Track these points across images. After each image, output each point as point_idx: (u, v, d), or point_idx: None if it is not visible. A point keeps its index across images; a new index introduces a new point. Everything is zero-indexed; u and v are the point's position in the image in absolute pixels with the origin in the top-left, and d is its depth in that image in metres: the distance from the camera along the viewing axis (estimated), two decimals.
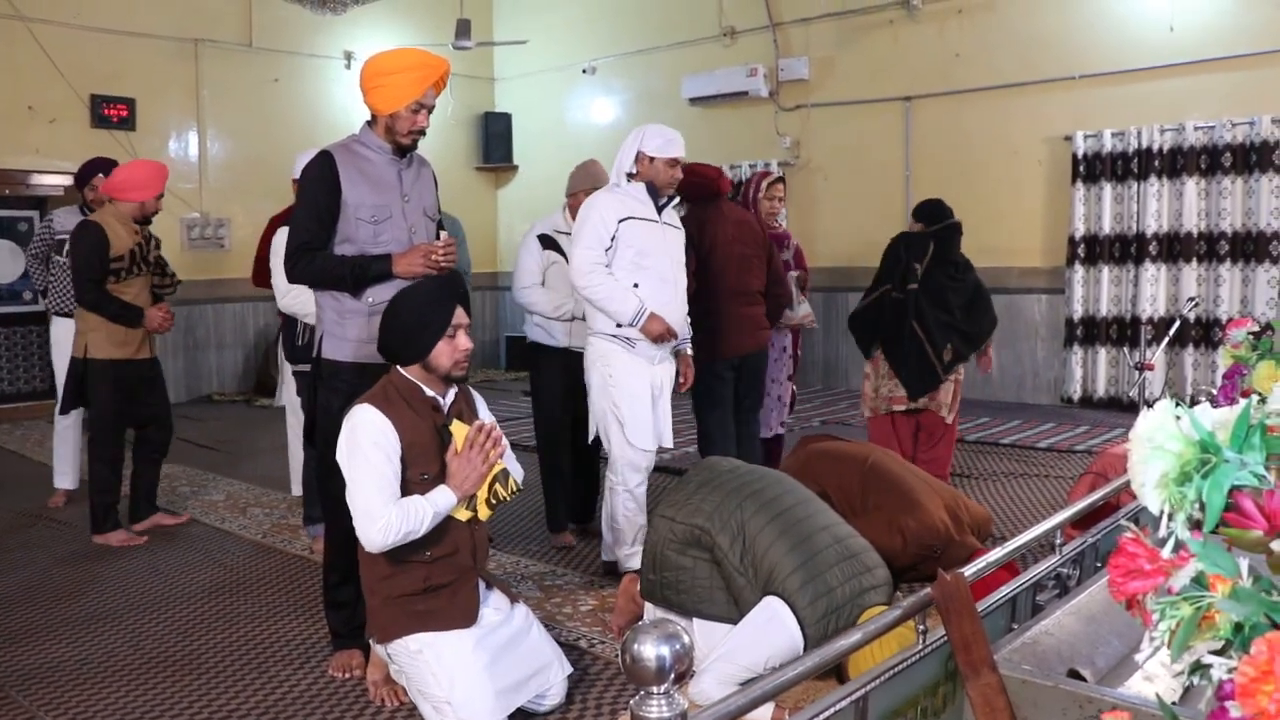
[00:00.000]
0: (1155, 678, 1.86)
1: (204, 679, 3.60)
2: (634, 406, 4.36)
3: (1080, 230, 8.64)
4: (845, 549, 3.33)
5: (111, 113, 9.67)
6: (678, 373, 4.60)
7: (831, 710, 1.66)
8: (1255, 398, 0.98)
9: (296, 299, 4.86)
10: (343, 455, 3.16)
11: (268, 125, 10.61)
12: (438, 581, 3.17)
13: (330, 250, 3.52)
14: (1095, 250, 8.57)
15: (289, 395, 5.68)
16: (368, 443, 3.09)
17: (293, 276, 3.62)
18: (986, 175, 9.20)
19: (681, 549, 3.39)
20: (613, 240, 4.33)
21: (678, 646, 1.34)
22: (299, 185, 3.54)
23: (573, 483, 5.28)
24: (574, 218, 4.96)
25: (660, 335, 4.35)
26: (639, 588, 3.64)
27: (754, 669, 3.12)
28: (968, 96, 9.27)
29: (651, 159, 4.44)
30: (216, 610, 4.28)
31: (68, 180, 8.67)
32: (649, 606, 3.56)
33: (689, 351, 4.68)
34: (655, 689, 1.34)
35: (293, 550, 5.10)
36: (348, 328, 3.54)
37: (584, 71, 11.84)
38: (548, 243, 5.08)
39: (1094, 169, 8.57)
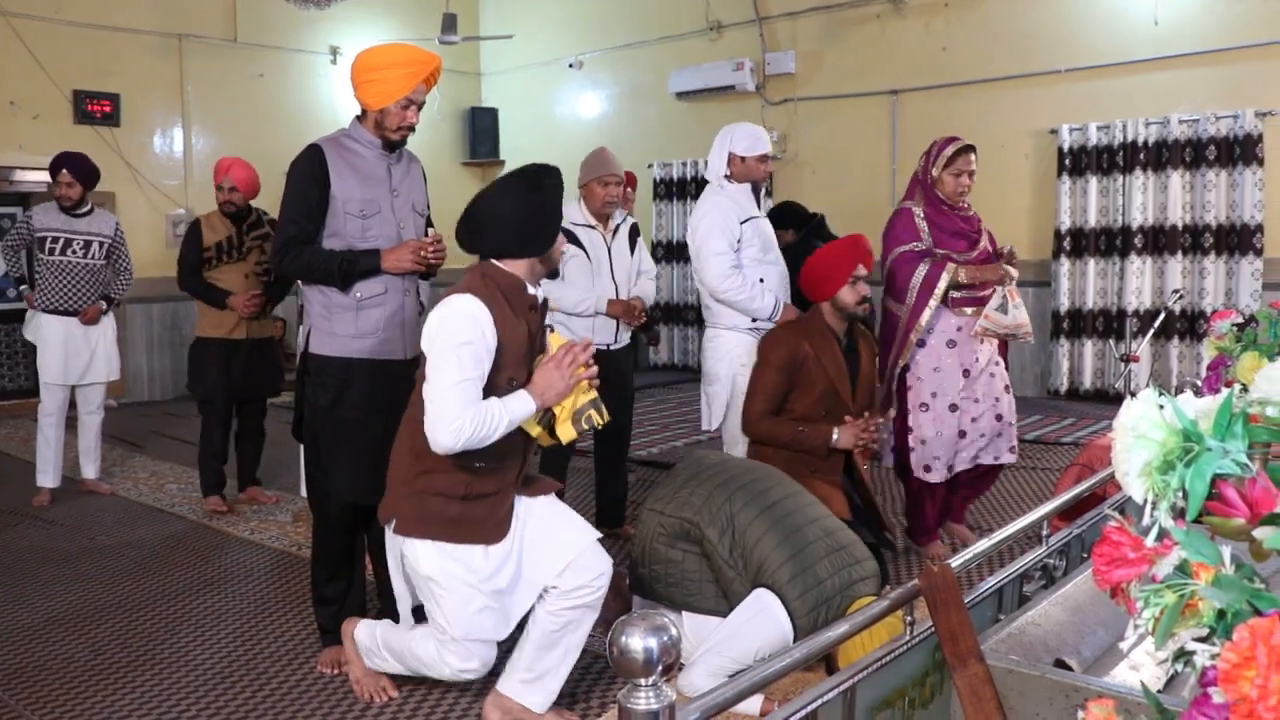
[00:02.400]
0: (1141, 666, 1.87)
1: (193, 676, 3.60)
2: (717, 386, 4.54)
3: (1066, 223, 8.67)
4: (835, 541, 3.34)
5: (95, 108, 9.63)
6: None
7: (820, 701, 1.66)
8: (1238, 387, 0.98)
9: None
10: (429, 343, 2.87)
11: (253, 121, 10.58)
12: (478, 491, 2.96)
13: (319, 244, 3.50)
14: (1081, 243, 8.60)
15: None
16: (460, 339, 2.81)
17: (280, 270, 3.63)
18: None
19: (671, 542, 3.40)
20: (738, 241, 4.47)
21: (665, 638, 1.34)
22: (287, 178, 3.54)
23: (604, 486, 5.18)
24: (588, 207, 4.94)
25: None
26: (628, 581, 3.65)
27: (744, 661, 3.13)
28: (954, 90, 9.29)
29: (743, 158, 4.59)
30: (205, 607, 4.27)
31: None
32: (638, 600, 3.56)
33: None
34: (643, 681, 1.34)
35: (280, 546, 5.09)
36: (335, 323, 3.51)
37: (570, 66, 11.82)
38: (567, 236, 4.94)
39: (1080, 162, 8.60)
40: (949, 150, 4.57)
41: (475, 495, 2.98)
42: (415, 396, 3.00)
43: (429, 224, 3.79)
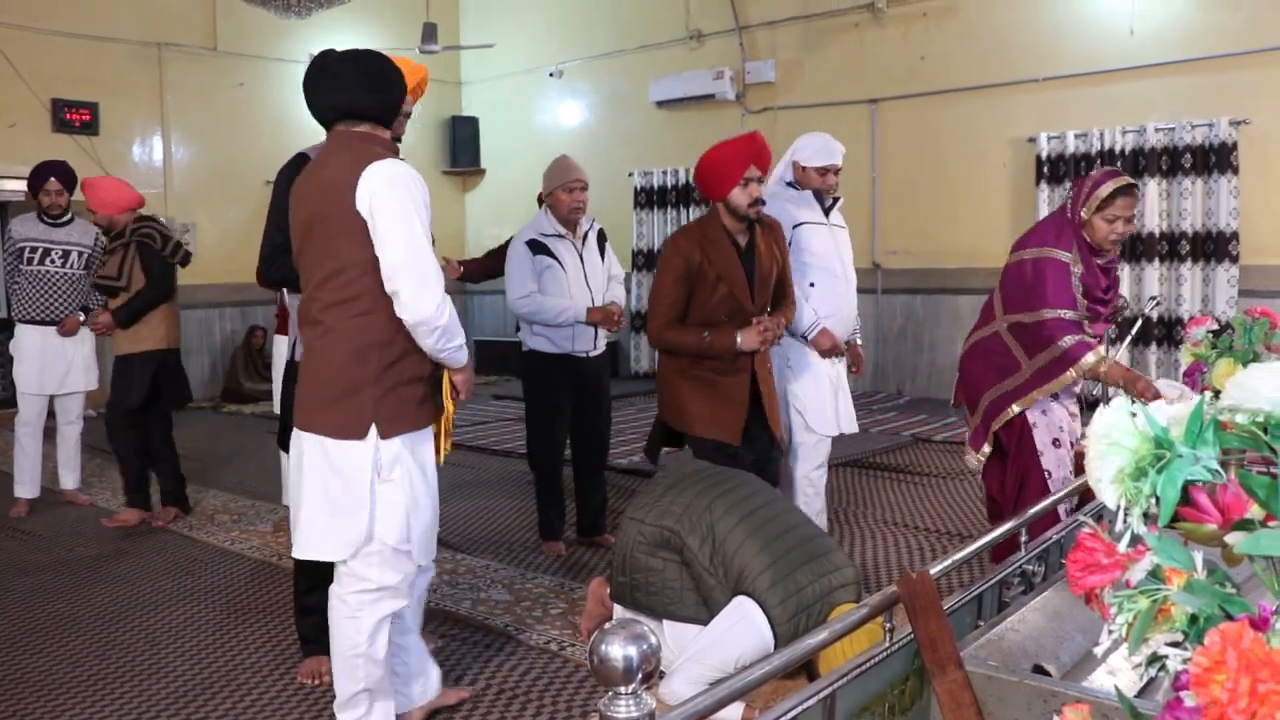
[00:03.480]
0: (1118, 671, 1.88)
1: (172, 687, 3.58)
2: (813, 393, 4.48)
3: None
4: (814, 548, 3.35)
5: (74, 117, 9.59)
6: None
7: (799, 709, 1.67)
8: (1209, 394, 1.00)
9: None
10: (380, 205, 2.73)
11: (233, 130, 10.56)
12: (429, 371, 2.93)
13: None
14: None
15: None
16: (418, 202, 2.79)
17: (266, 279, 3.60)
18: (952, 177, 9.28)
19: (651, 550, 3.40)
20: (789, 245, 4.39)
21: (645, 647, 1.34)
22: (274, 187, 3.53)
23: (583, 495, 5.18)
24: (556, 216, 4.93)
25: (828, 350, 4.49)
26: (608, 590, 3.64)
27: (724, 669, 3.13)
28: (933, 99, 9.34)
29: (804, 168, 4.62)
30: (184, 618, 4.25)
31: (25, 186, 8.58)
32: (618, 609, 3.56)
33: (859, 341, 4.81)
34: (623, 689, 1.34)
35: (260, 556, 5.07)
36: None
37: (551, 75, 11.84)
38: (538, 248, 4.91)
39: (1057, 170, 8.66)
40: (1105, 189, 3.83)
41: (428, 376, 2.94)
42: (346, 294, 2.80)
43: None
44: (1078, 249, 3.86)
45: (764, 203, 4.05)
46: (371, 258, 2.76)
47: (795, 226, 4.50)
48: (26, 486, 6.03)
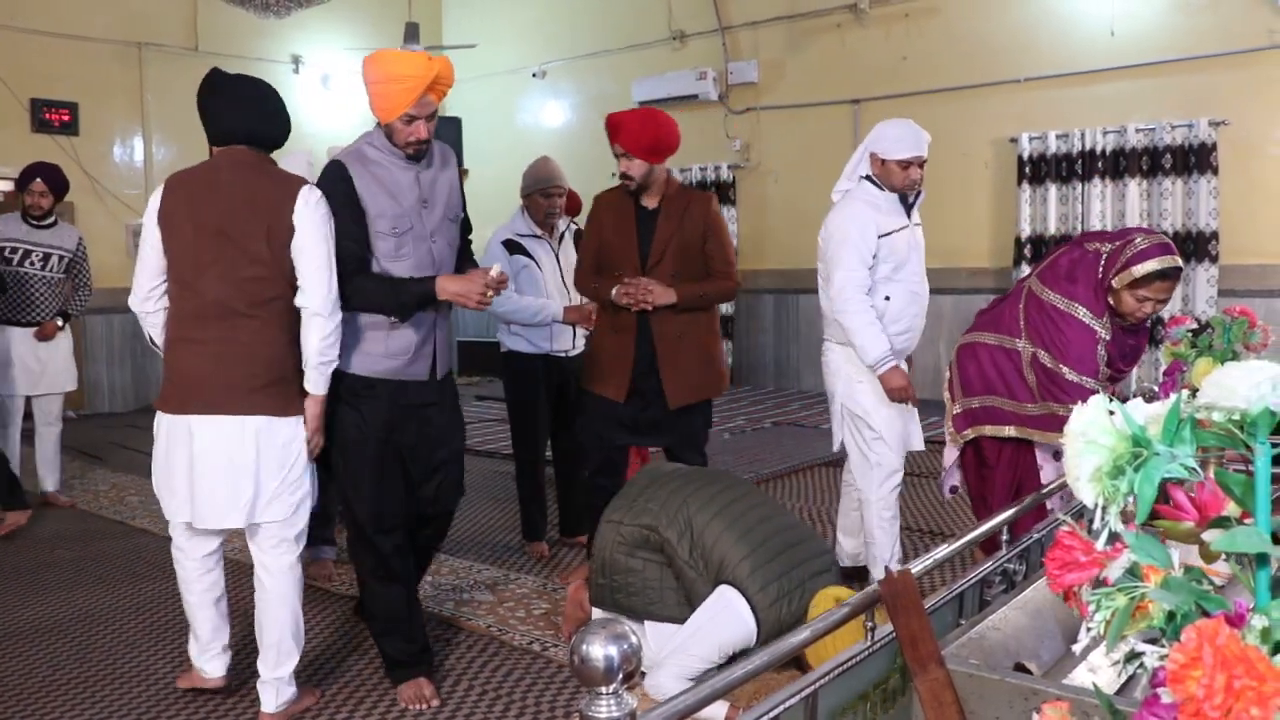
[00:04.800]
0: (1098, 669, 1.89)
1: (153, 690, 3.56)
2: (886, 410, 4.10)
3: (1026, 231, 8.75)
4: (791, 536, 3.37)
5: (53, 117, 9.54)
6: None
7: (782, 707, 1.67)
8: (1186, 392, 1.00)
9: None
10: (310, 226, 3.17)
11: None
12: None
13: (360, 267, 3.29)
14: (1041, 250, 8.67)
15: None
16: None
17: (346, 306, 3.27)
18: (934, 177, 9.22)
19: (630, 551, 3.40)
20: (874, 258, 4.05)
21: (625, 646, 1.34)
22: (328, 198, 3.30)
23: (565, 495, 5.18)
24: (532, 218, 4.95)
25: (897, 393, 3.99)
26: (587, 595, 3.64)
27: (710, 659, 3.14)
28: (915, 99, 9.36)
29: (882, 161, 4.11)
30: (166, 621, 4.23)
31: (8, 186, 8.54)
32: (597, 612, 3.56)
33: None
34: (604, 689, 1.34)
35: (241, 559, 5.04)
36: (366, 340, 3.34)
37: (534, 75, 11.83)
38: (514, 248, 4.94)
39: (1039, 170, 8.69)
40: (1142, 269, 3.49)
41: None
42: (273, 292, 3.15)
43: (467, 250, 3.67)
44: (1109, 315, 3.64)
45: (631, 178, 4.08)
46: (291, 270, 3.15)
47: (881, 237, 4.04)
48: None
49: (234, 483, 3.14)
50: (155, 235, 3.21)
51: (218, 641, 3.46)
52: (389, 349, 3.34)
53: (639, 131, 4.06)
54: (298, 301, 3.15)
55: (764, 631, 3.15)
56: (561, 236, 5.07)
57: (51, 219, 5.91)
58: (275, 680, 3.28)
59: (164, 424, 3.22)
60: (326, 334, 3.15)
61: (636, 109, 4.35)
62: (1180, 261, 3.58)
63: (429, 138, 3.31)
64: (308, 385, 3.20)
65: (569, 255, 5.02)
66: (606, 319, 4.23)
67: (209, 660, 3.46)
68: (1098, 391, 3.57)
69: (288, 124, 3.37)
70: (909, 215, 4.18)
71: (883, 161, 4.07)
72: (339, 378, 3.29)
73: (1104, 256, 3.61)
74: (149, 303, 3.27)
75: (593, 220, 4.31)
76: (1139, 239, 3.54)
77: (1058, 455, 3.71)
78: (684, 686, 2.97)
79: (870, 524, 4.16)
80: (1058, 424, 3.62)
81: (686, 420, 4.23)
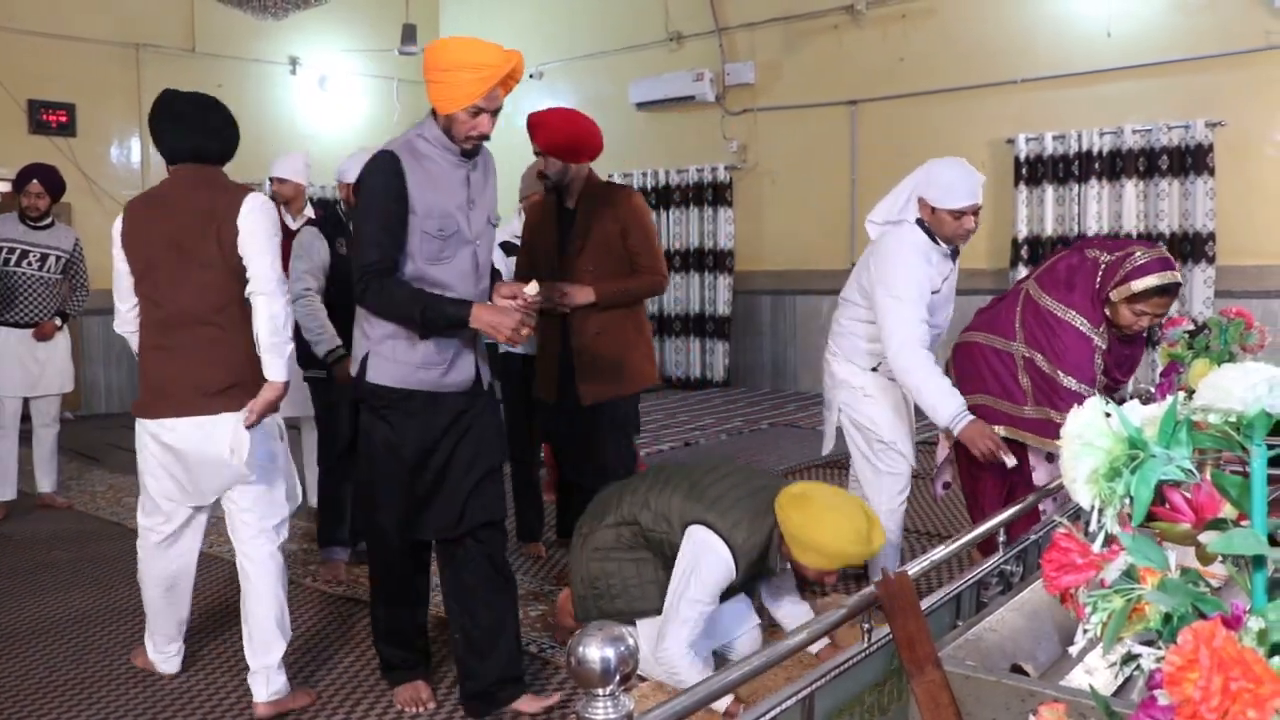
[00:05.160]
0: (1095, 671, 1.89)
1: (149, 692, 3.56)
2: (899, 425, 4.01)
3: (1023, 232, 8.76)
4: (739, 476, 3.43)
5: (50, 118, 9.52)
6: None
7: (779, 708, 1.67)
8: (1182, 394, 1.00)
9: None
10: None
11: None
12: None
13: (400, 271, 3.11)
14: (1038, 251, 8.68)
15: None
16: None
17: (361, 302, 3.13)
18: None
19: (605, 555, 3.41)
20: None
21: (622, 648, 1.34)
22: (362, 191, 3.14)
23: (567, 495, 5.07)
24: (530, 220, 4.92)
25: (987, 452, 3.57)
26: (575, 613, 3.61)
27: (704, 604, 3.18)
28: (912, 100, 9.37)
29: (933, 209, 3.72)
30: None
31: (4, 186, 8.52)
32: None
33: None
34: (601, 691, 1.34)
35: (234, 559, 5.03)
36: (397, 348, 3.12)
37: (531, 76, 11.82)
38: (510, 249, 4.95)
39: (1036, 171, 8.69)
40: (1141, 284, 3.44)
41: None
42: (226, 298, 3.28)
43: (498, 275, 3.63)
44: (1106, 325, 3.58)
45: (547, 177, 4.17)
46: (242, 268, 3.24)
47: (934, 293, 3.78)
48: (2, 489, 5.98)
49: (200, 474, 3.34)
50: (121, 258, 3.41)
51: (173, 643, 3.67)
52: (424, 358, 3.12)
53: (554, 131, 4.08)
54: (248, 290, 3.24)
55: (739, 557, 3.19)
56: None
57: (49, 220, 5.91)
58: (265, 669, 3.35)
59: (139, 429, 3.40)
60: (275, 313, 3.20)
61: (557, 109, 4.35)
62: (1180, 277, 3.55)
63: (490, 134, 3.14)
64: (266, 372, 3.25)
65: None
66: (540, 321, 4.07)
67: (165, 660, 3.67)
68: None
69: (235, 138, 3.53)
70: (954, 259, 3.92)
71: (933, 209, 3.71)
72: (368, 389, 3.16)
73: (1103, 267, 3.55)
74: (130, 322, 3.48)
75: (524, 225, 4.43)
76: (1139, 253, 3.50)
77: (1050, 458, 3.69)
78: (690, 649, 3.14)
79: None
80: (1053, 430, 3.54)
81: (602, 417, 4.23)
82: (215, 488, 3.37)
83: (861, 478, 4.14)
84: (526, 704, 3.32)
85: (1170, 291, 3.47)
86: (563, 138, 4.08)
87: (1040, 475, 3.75)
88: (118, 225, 3.43)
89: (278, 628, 3.38)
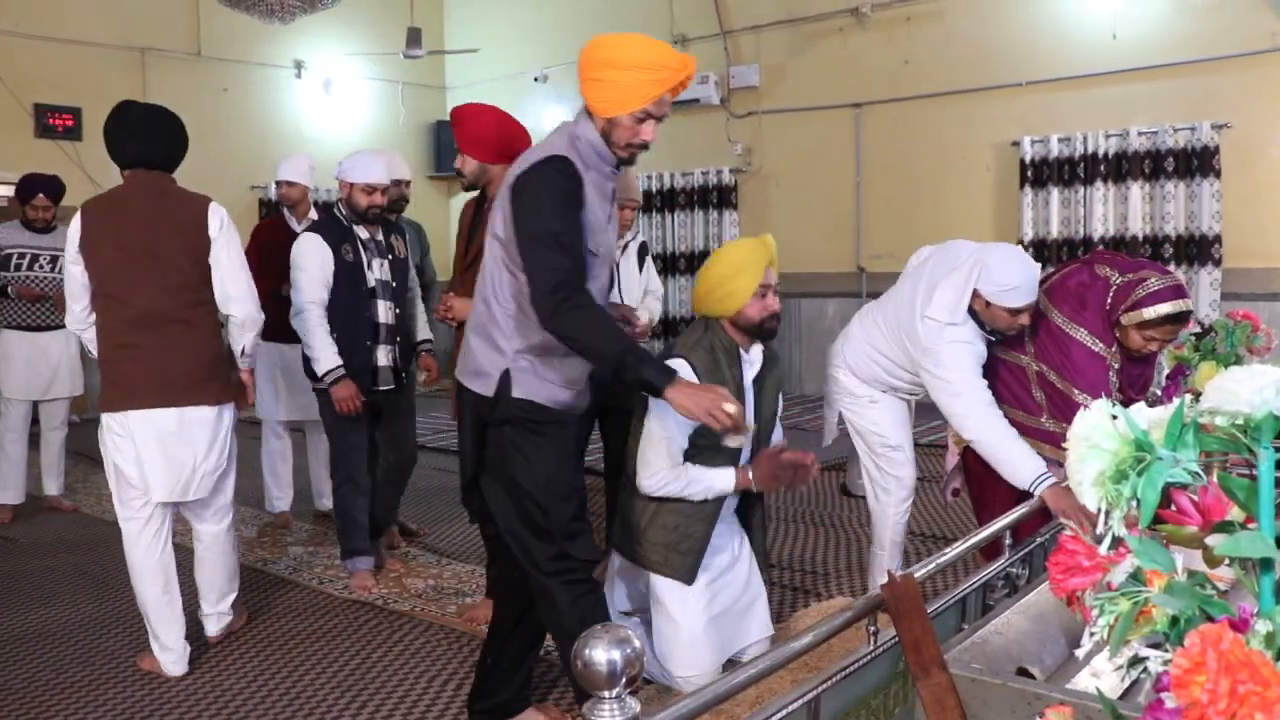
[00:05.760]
0: (1101, 674, 1.89)
1: (156, 694, 3.56)
2: (904, 432, 4.03)
3: (1029, 234, 8.75)
4: None
5: (57, 122, 9.54)
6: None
7: (784, 711, 1.67)
8: (1189, 397, 1.00)
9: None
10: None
11: (217, 135, 10.50)
12: None
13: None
14: (1044, 254, 8.67)
15: (279, 411, 5.68)
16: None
17: (551, 321, 2.66)
18: (936, 181, 9.30)
19: (662, 505, 3.37)
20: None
21: (629, 651, 1.34)
22: (536, 196, 2.72)
23: (612, 505, 4.95)
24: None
25: (1073, 514, 2.95)
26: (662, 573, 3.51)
27: (671, 435, 3.26)
28: (917, 103, 9.36)
29: (988, 303, 3.51)
30: None
31: (10, 191, 8.54)
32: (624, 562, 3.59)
33: None
34: (606, 694, 1.34)
35: (243, 562, 5.04)
36: (541, 366, 2.82)
37: (536, 80, 11.83)
38: None
39: (1041, 174, 8.69)
40: (1152, 312, 3.35)
41: None
42: (199, 297, 3.69)
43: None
44: (1118, 345, 3.53)
45: (462, 175, 3.97)
46: (209, 272, 3.67)
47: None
48: (10, 492, 6.00)
49: (176, 465, 3.67)
50: (77, 260, 3.63)
51: (178, 644, 3.75)
52: (565, 378, 2.86)
53: (466, 126, 3.93)
54: (227, 311, 3.73)
55: (695, 363, 3.28)
56: (625, 246, 4.73)
57: (52, 224, 5.98)
58: (217, 614, 3.98)
59: (110, 422, 3.73)
60: (249, 340, 3.82)
61: (483, 105, 4.14)
62: (1191, 305, 3.49)
63: (650, 145, 2.87)
64: (240, 363, 3.85)
65: (630, 266, 4.74)
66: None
67: (172, 663, 3.74)
68: None
69: (184, 146, 3.92)
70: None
71: (987, 304, 3.51)
72: (520, 405, 2.80)
73: (1114, 288, 3.48)
74: (85, 321, 3.73)
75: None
76: (1153, 280, 3.40)
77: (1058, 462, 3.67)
78: (671, 467, 3.27)
79: (881, 535, 4.11)
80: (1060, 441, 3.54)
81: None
82: (192, 478, 3.71)
83: (867, 480, 4.15)
84: (530, 716, 3.26)
85: (1182, 320, 3.38)
86: (469, 134, 3.90)
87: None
88: (75, 230, 3.64)
89: (230, 581, 4.00)
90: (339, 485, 4.67)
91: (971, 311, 3.56)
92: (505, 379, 2.81)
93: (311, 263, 4.44)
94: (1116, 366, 3.55)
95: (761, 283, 3.28)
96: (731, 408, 2.58)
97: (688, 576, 3.35)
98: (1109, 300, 3.49)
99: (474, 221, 4.05)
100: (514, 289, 2.79)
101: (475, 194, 4.16)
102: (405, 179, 5.32)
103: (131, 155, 3.81)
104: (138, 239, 3.60)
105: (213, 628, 3.99)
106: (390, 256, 4.64)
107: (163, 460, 3.65)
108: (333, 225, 4.56)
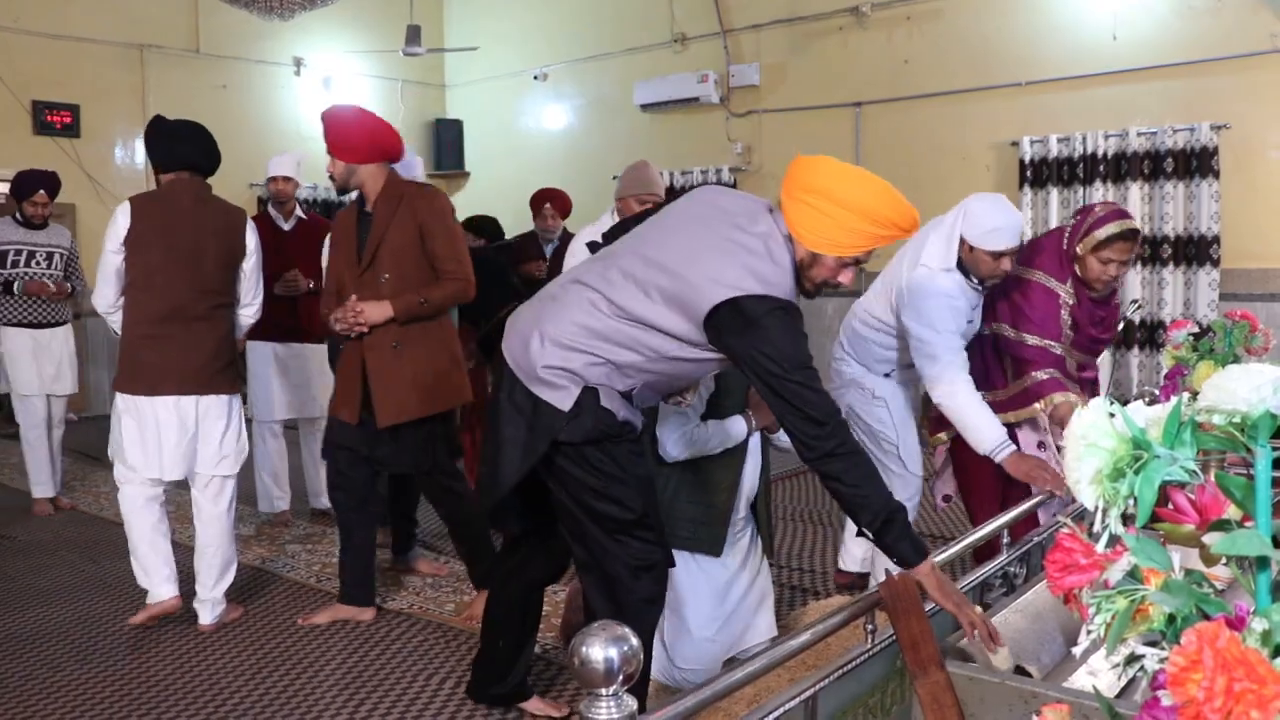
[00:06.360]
0: (1098, 672, 1.89)
1: (154, 691, 3.56)
2: (909, 435, 4.03)
3: (1028, 234, 8.74)
4: None
5: (55, 119, 9.53)
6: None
7: (782, 709, 1.67)
8: (1187, 395, 1.00)
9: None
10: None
11: (216, 132, 10.38)
12: None
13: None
14: None
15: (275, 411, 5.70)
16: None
17: (831, 456, 2.44)
18: (936, 180, 9.29)
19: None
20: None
21: (626, 648, 1.34)
22: (770, 335, 2.53)
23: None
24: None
25: (1037, 479, 3.30)
26: (582, 599, 3.58)
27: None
28: (917, 103, 9.36)
29: (971, 248, 3.60)
30: (165, 623, 4.22)
31: (6, 187, 8.54)
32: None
33: None
34: (604, 691, 1.34)
35: (243, 560, 5.04)
36: (608, 390, 2.70)
37: (535, 78, 11.82)
38: (594, 248, 4.76)
39: (1041, 174, 8.69)
40: (1103, 232, 3.55)
41: None
42: (225, 299, 4.14)
43: None
44: (1074, 283, 3.65)
45: (332, 178, 4.00)
46: (236, 277, 4.16)
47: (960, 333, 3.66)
48: (46, 485, 6.06)
49: (188, 446, 4.04)
50: (119, 251, 3.98)
51: (166, 568, 4.11)
52: (625, 402, 2.75)
53: (334, 130, 3.93)
54: (243, 313, 4.23)
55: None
56: None
57: (46, 220, 5.99)
58: (211, 599, 4.13)
59: (129, 404, 4.01)
60: (253, 318, 4.33)
61: (347, 106, 4.12)
62: (1138, 224, 3.68)
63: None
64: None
65: None
66: (345, 340, 4.05)
67: (161, 584, 4.08)
68: (1062, 356, 3.63)
69: (219, 156, 4.26)
70: (981, 293, 3.75)
71: (971, 248, 3.60)
72: (608, 419, 2.68)
73: (1067, 231, 3.70)
74: (117, 306, 4.07)
75: (330, 236, 4.25)
76: (1098, 208, 3.67)
77: (1041, 445, 3.70)
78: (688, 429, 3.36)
79: None
80: (1029, 397, 3.63)
81: (407, 440, 4.01)
82: (206, 457, 4.08)
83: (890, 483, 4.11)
84: (535, 705, 3.32)
85: (1130, 238, 3.57)
86: (332, 135, 3.91)
87: (1027, 440, 3.74)
88: (124, 220, 3.95)
89: (226, 563, 4.18)
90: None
91: (961, 268, 3.64)
92: (593, 395, 2.65)
93: None
94: (1070, 303, 3.67)
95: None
96: (978, 619, 2.13)
97: (716, 549, 3.41)
98: (1065, 240, 3.68)
99: (358, 225, 4.02)
100: (658, 341, 2.66)
101: (354, 200, 4.12)
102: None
103: (180, 157, 4.08)
104: (185, 242, 3.97)
105: (207, 616, 4.13)
106: None
107: (176, 442, 4.00)
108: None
